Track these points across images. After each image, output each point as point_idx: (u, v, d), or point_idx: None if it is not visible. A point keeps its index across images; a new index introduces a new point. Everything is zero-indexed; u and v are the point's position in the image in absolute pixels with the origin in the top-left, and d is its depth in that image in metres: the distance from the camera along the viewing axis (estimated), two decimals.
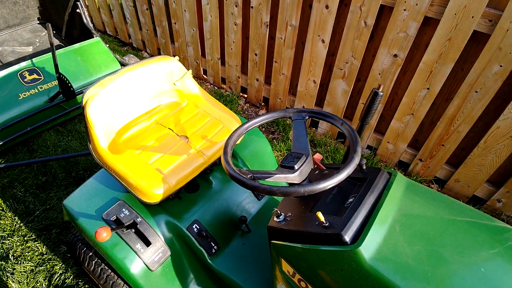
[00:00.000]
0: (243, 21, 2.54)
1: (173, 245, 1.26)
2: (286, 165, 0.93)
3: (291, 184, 0.90)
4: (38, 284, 1.61)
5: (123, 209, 1.24)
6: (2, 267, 1.63)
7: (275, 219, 0.93)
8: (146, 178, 1.18)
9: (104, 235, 1.03)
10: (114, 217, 1.22)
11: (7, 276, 1.60)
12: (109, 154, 1.22)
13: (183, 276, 1.27)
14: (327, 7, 1.99)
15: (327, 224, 0.80)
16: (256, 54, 2.55)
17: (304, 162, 0.94)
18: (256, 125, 1.06)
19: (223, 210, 1.39)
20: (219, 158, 1.38)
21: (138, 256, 1.17)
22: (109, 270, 1.24)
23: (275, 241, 0.91)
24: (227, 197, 1.42)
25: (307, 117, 1.07)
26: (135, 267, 1.16)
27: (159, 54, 3.44)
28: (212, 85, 3.09)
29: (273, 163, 1.67)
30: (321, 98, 2.51)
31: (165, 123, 1.41)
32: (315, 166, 1.05)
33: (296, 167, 0.92)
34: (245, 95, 2.94)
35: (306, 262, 0.85)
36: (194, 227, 1.28)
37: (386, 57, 1.95)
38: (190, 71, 1.53)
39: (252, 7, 2.34)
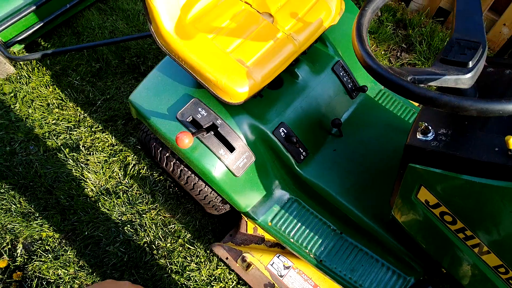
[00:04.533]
0: None
1: (258, 150, 1.10)
2: (454, 60, 0.61)
3: (463, 92, 0.61)
4: (115, 174, 1.63)
5: (199, 109, 1.04)
6: (75, 158, 1.65)
7: (419, 136, 0.68)
8: (227, 72, 0.92)
9: (186, 141, 0.86)
10: (190, 118, 1.04)
11: (81, 167, 1.62)
12: (177, 39, 0.95)
13: (269, 182, 1.16)
14: None
15: None
16: None
17: (481, 55, 0.61)
18: None
19: (312, 110, 1.15)
20: (312, 44, 1.06)
21: (222, 161, 1.03)
22: (189, 172, 1.15)
23: (417, 165, 0.68)
24: (316, 95, 1.16)
25: None
26: (220, 173, 1.04)
27: None
28: None
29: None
30: None
31: None
32: None
33: (470, 63, 0.60)
34: None
35: (468, 198, 0.63)
36: (281, 130, 1.08)
37: None
38: None
39: None
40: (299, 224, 1.17)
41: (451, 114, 0.69)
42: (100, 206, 1.56)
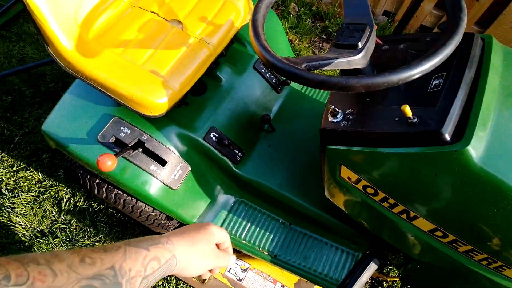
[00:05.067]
0: None
1: (192, 159, 1.07)
2: (345, 44, 0.65)
3: (361, 71, 0.65)
4: (47, 212, 1.49)
5: (121, 127, 0.99)
6: None
7: (330, 118, 0.71)
8: (142, 85, 0.89)
9: (108, 163, 0.81)
10: (113, 138, 0.98)
11: (8, 212, 1.46)
12: (81, 58, 0.89)
13: (210, 189, 1.14)
14: None
15: (415, 120, 0.59)
16: None
17: (369, 36, 0.66)
18: None
19: (240, 110, 1.16)
20: (227, 46, 1.06)
21: (155, 177, 0.99)
22: (125, 195, 1.08)
23: (333, 146, 0.72)
24: (242, 95, 1.17)
25: None
26: (156, 190, 1.00)
27: None
28: None
29: (288, 48, 1.36)
30: None
31: (144, 5, 1.02)
32: None
33: (360, 44, 0.64)
34: None
35: (382, 169, 0.67)
36: (212, 135, 1.07)
37: None
38: None
39: None
40: (249, 224, 1.17)
41: (355, 94, 0.74)
42: (37, 250, 1.41)
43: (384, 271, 1.41)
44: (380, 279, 1.37)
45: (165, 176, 1.01)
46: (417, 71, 0.52)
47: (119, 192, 1.08)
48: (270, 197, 1.15)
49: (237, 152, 1.12)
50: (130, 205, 1.10)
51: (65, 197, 1.51)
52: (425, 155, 0.59)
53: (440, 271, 0.81)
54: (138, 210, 1.11)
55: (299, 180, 1.13)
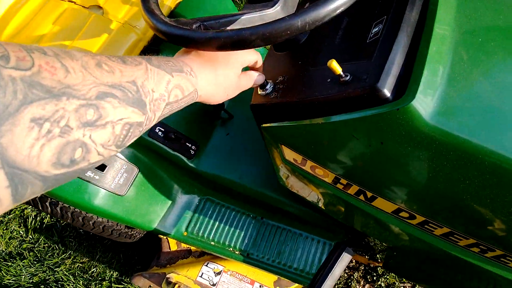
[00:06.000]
0: None
1: (139, 159, 0.97)
2: None
3: None
4: (15, 233, 1.41)
5: None
6: None
7: (259, 91, 0.60)
8: None
9: None
10: None
11: None
12: None
13: (167, 189, 1.03)
14: None
15: (347, 78, 0.47)
16: None
17: None
18: None
19: None
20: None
21: (95, 185, 0.89)
22: (71, 207, 0.98)
23: (267, 124, 0.60)
24: None
25: None
26: (100, 199, 0.90)
27: None
28: None
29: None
30: None
31: None
32: None
33: None
34: None
35: (321, 145, 0.55)
36: (157, 130, 0.96)
37: None
38: None
39: None
40: (217, 223, 1.06)
41: (286, 58, 0.61)
42: (5, 274, 1.33)
43: (378, 256, 1.29)
44: (372, 265, 1.26)
45: (107, 182, 0.90)
46: (329, 9, 0.39)
47: (65, 205, 0.98)
48: (234, 191, 1.04)
49: (190, 145, 1.01)
50: (80, 218, 1.00)
51: (31, 215, 1.43)
52: (363, 120, 0.46)
53: (419, 257, 0.69)
54: (90, 222, 1.01)
55: (263, 170, 1.01)
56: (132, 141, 0.35)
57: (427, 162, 0.46)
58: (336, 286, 1.26)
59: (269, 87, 0.58)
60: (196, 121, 1.04)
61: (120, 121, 0.31)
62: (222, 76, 0.47)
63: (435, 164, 0.46)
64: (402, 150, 0.47)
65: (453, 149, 0.44)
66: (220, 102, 0.51)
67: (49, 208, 0.99)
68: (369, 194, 0.59)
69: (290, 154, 0.63)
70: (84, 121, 0.27)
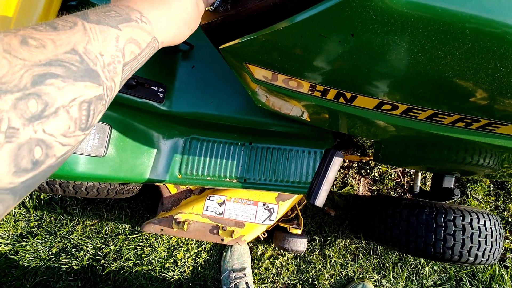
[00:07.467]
0: None
1: (107, 117, 0.90)
2: None
3: None
4: (18, 216, 1.41)
5: None
6: None
7: (207, 8, 0.51)
8: None
9: None
10: None
11: None
12: None
13: (147, 140, 1.00)
14: None
15: None
16: None
17: None
18: None
19: None
20: None
21: (73, 153, 0.84)
22: (57, 180, 0.96)
23: (226, 45, 0.53)
24: None
25: None
26: (82, 166, 0.87)
27: None
28: None
29: None
30: None
31: None
32: None
33: None
34: None
35: (287, 53, 0.50)
36: None
37: None
38: None
39: None
40: (208, 158, 1.06)
41: None
42: (23, 253, 1.38)
43: (368, 151, 1.34)
44: (364, 160, 1.31)
45: (82, 147, 0.86)
46: None
47: (49, 179, 0.95)
48: (215, 124, 1.00)
49: (156, 88, 0.93)
50: (69, 187, 0.98)
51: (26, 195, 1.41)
52: (327, 13, 0.40)
53: (406, 144, 0.70)
54: (82, 189, 1.00)
55: (240, 96, 0.96)
56: (99, 117, 0.30)
57: (404, 45, 0.42)
58: (334, 187, 1.34)
59: (218, 1, 0.49)
60: (156, 61, 0.95)
61: (74, 102, 0.26)
62: (178, 10, 0.40)
63: (413, 46, 0.42)
64: (375, 38, 0.42)
65: (430, 23, 0.39)
66: (185, 39, 0.45)
67: (63, 190, 0.97)
68: (348, 95, 0.56)
69: (259, 72, 0.58)
70: (28, 116, 0.23)
